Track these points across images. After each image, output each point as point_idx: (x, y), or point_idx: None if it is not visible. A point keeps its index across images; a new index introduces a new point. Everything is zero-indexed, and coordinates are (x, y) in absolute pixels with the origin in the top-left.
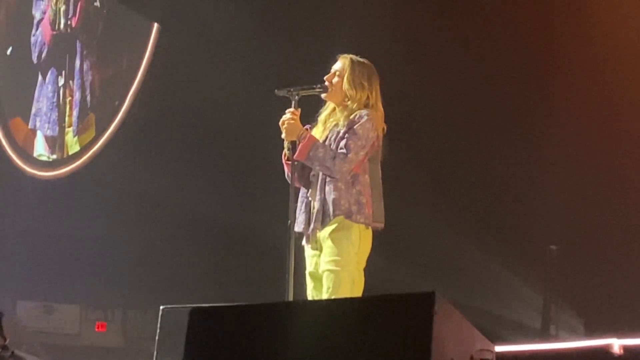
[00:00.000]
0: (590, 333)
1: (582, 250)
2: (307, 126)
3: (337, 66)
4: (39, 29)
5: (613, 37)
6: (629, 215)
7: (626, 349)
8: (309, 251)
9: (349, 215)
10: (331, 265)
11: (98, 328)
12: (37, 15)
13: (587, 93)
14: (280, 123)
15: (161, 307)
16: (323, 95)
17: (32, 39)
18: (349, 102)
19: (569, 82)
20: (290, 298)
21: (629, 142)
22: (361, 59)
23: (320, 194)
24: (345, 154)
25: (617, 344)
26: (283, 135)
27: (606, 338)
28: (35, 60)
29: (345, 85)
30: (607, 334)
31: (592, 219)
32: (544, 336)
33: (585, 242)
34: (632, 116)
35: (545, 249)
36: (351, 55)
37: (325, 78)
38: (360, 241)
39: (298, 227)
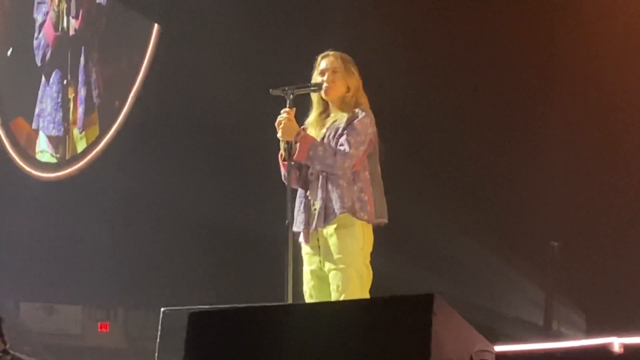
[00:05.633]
0: (593, 330)
1: (584, 247)
2: (304, 126)
3: (324, 65)
4: (42, 31)
5: (612, 33)
6: (631, 211)
7: (626, 347)
8: (307, 250)
9: (353, 213)
10: (338, 263)
11: (101, 328)
12: (38, 18)
13: (588, 87)
14: (276, 123)
15: (162, 309)
16: (324, 95)
17: (35, 43)
18: (348, 94)
19: (570, 76)
20: (290, 298)
21: (631, 138)
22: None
23: (322, 193)
24: (346, 150)
25: (617, 342)
26: (279, 135)
27: (606, 337)
28: (39, 62)
29: (346, 75)
30: (609, 331)
31: (594, 215)
32: (546, 333)
33: (587, 239)
34: (634, 112)
35: (547, 246)
36: (329, 51)
37: (325, 80)
38: (364, 237)
39: (297, 227)
